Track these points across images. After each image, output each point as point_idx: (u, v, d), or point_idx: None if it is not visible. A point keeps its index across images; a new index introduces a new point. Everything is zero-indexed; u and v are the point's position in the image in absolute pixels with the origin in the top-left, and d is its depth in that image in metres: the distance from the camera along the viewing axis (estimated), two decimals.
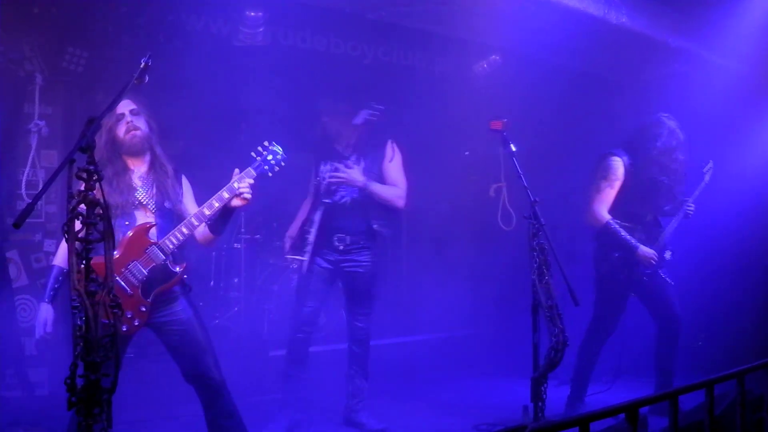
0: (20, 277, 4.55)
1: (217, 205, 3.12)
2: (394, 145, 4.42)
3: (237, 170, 3.20)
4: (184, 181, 3.40)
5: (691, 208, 4.61)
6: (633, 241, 4.35)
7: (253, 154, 3.28)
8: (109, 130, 3.13)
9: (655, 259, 4.39)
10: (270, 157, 3.28)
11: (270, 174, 3.30)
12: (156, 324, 3.13)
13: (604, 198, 4.40)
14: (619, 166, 4.41)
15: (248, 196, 3.15)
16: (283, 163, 3.33)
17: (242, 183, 3.14)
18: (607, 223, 4.35)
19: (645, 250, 4.36)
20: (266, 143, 3.31)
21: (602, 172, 4.44)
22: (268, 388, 4.43)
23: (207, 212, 3.12)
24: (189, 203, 3.36)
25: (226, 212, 3.18)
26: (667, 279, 4.54)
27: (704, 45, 5.73)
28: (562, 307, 3.35)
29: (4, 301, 4.28)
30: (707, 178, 4.73)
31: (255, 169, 3.22)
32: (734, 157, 4.65)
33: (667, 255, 4.55)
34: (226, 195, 3.12)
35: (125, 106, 3.18)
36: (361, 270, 4.30)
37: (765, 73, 5.76)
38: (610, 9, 5.14)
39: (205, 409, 3.23)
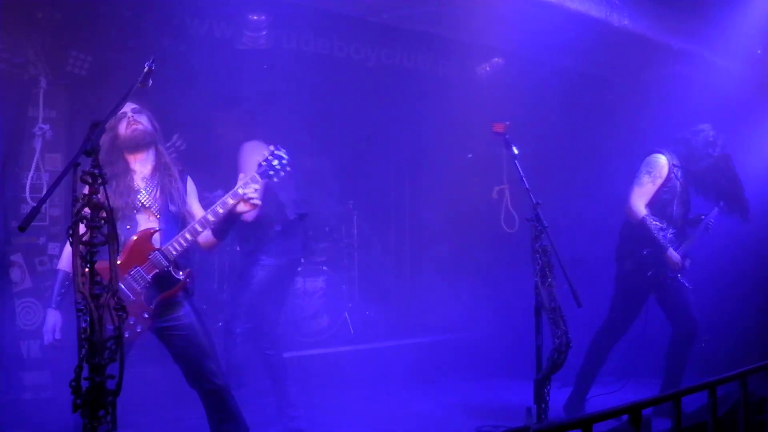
0: (24, 280, 4.55)
1: (221, 211, 3.06)
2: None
3: (242, 175, 3.14)
4: (189, 182, 3.36)
5: (711, 223, 4.59)
6: (664, 241, 4.34)
7: (258, 158, 3.21)
8: (110, 129, 3.10)
9: (680, 263, 4.39)
10: (276, 163, 3.17)
11: (275, 179, 3.21)
12: (159, 329, 3.11)
13: (644, 192, 4.39)
14: (664, 164, 4.41)
15: (257, 202, 3.09)
16: (288, 168, 3.24)
17: (247, 188, 3.07)
18: (644, 218, 4.32)
19: (673, 252, 4.35)
20: (272, 148, 3.21)
21: (647, 167, 4.43)
22: (270, 390, 4.43)
23: (211, 218, 3.06)
24: (194, 204, 3.33)
25: (230, 217, 3.12)
26: (686, 284, 4.53)
27: (706, 46, 5.73)
28: (565, 310, 3.35)
29: (5, 305, 4.29)
30: None
31: (260, 174, 3.14)
32: (735, 159, 4.65)
33: (687, 263, 4.54)
34: (230, 201, 3.06)
35: (127, 106, 3.14)
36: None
37: (767, 74, 5.75)
38: (612, 11, 5.15)
39: (209, 413, 3.20)
